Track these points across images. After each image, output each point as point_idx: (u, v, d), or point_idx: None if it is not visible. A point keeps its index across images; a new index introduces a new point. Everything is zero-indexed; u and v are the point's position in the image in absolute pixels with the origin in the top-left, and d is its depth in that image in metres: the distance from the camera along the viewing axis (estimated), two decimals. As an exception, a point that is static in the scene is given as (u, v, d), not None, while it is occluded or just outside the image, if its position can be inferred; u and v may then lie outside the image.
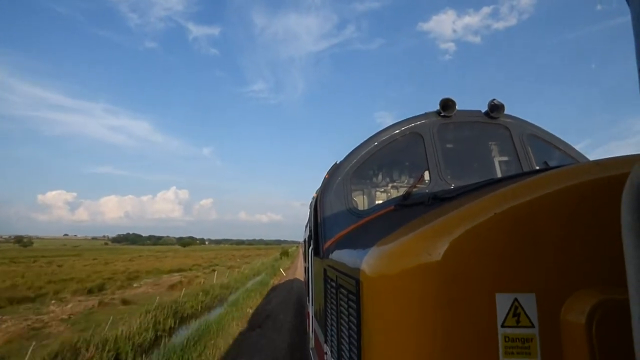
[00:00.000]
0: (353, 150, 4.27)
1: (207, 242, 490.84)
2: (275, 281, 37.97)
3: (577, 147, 4.58)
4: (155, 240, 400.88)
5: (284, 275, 42.99)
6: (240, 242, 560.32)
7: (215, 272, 44.79)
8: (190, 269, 55.38)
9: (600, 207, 1.48)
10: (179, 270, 52.70)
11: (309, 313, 7.22)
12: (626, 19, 0.78)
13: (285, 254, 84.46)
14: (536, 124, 4.55)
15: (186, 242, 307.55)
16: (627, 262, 0.86)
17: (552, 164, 4.13)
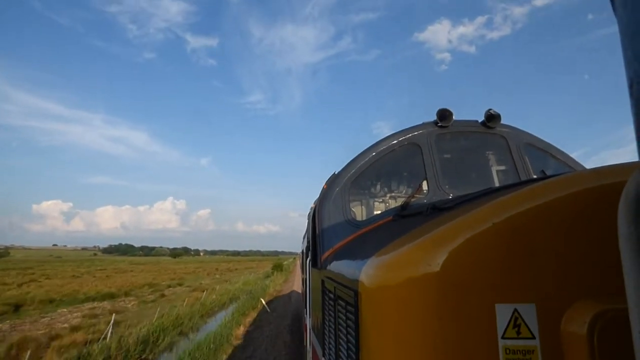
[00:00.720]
0: (351, 161, 4.28)
1: (202, 253, 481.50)
2: (245, 327, 20.43)
3: (574, 156, 4.60)
4: (148, 251, 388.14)
5: (267, 309, 24.85)
6: (236, 253, 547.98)
7: (159, 299, 32.69)
8: (127, 294, 37.21)
9: (600, 215, 1.47)
10: (110, 297, 34.98)
11: (306, 326, 7.15)
12: (616, 28, 0.79)
13: (278, 267, 67.49)
14: (532, 132, 4.58)
15: (178, 253, 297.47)
16: (625, 273, 0.85)
17: (549, 172, 4.14)
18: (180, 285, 48.48)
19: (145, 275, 63.81)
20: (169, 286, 46.31)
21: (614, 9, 0.76)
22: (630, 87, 0.71)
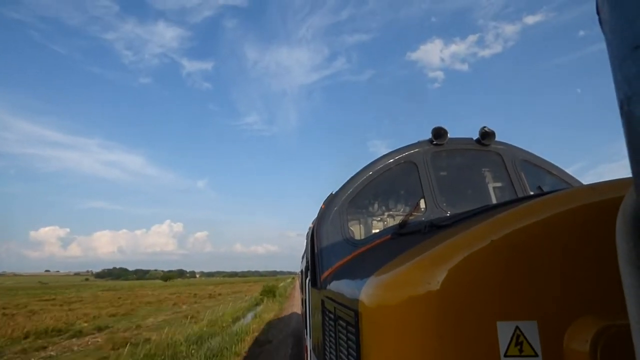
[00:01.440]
0: (348, 180, 4.28)
1: (198, 275, 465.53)
2: None
3: (570, 170, 4.62)
4: (141, 275, 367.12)
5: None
6: (233, 274, 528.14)
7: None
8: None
9: (598, 231, 1.47)
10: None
11: (307, 347, 7.04)
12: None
13: (269, 292, 46.39)
14: (528, 149, 4.61)
15: (170, 275, 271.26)
16: (625, 289, 0.85)
17: (545, 189, 4.15)
18: (104, 329, 29.10)
19: (90, 308, 45.71)
20: (74, 335, 26.99)
21: (604, 34, 0.79)
22: (621, 108, 0.73)
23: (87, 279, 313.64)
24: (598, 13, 0.85)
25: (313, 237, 4.47)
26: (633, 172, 0.73)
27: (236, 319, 28.63)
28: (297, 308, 31.72)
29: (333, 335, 3.08)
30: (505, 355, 1.45)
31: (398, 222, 3.95)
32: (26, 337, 26.86)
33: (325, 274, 3.84)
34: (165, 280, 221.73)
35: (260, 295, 46.95)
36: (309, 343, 6.24)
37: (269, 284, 53.25)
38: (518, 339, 1.45)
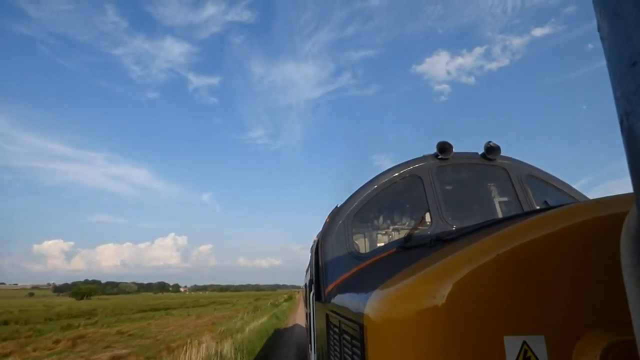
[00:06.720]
0: (353, 194, 4.29)
1: (182, 289, 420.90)
2: None
3: (577, 185, 4.59)
4: (110, 289, 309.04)
5: None
6: (225, 288, 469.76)
7: None
8: None
9: (605, 246, 1.46)
10: None
11: None
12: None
13: None
14: (534, 164, 4.60)
15: (86, 290, 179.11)
16: (630, 304, 0.85)
17: (552, 203, 4.13)
18: None
19: None
20: None
21: (604, 51, 0.81)
22: (621, 123, 0.74)
23: (31, 294, 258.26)
24: (599, 30, 0.87)
25: (318, 250, 4.46)
26: (634, 187, 0.73)
27: None
28: None
29: (338, 349, 3.06)
30: None
31: (403, 235, 3.93)
32: None
33: (330, 287, 3.82)
34: (81, 298, 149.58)
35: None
36: (313, 357, 6.18)
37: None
38: (525, 354, 1.43)
